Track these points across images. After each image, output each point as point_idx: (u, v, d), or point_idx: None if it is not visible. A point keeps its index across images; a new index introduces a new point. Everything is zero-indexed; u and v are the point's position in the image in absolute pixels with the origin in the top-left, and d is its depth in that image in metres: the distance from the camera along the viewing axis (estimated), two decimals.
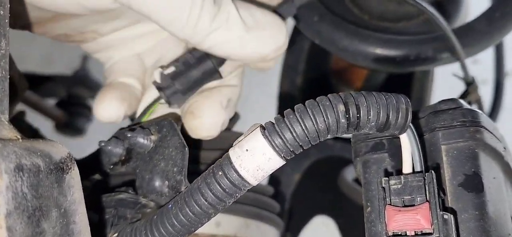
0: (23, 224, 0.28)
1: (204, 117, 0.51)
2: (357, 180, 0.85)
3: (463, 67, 0.69)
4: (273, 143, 0.37)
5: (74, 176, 0.35)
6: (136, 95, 0.54)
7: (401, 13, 0.74)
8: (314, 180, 0.97)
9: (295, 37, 0.99)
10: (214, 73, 0.52)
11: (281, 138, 0.37)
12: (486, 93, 0.88)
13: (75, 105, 1.15)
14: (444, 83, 0.94)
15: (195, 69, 0.51)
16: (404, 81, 0.93)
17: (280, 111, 1.00)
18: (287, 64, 1.00)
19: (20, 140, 0.32)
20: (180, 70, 0.51)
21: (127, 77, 0.54)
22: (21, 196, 0.29)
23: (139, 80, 0.55)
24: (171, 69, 0.51)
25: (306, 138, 0.37)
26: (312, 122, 0.37)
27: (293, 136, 0.37)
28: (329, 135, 0.38)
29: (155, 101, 0.53)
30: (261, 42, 0.49)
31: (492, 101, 0.93)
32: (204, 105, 0.51)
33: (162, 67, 0.52)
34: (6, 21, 0.34)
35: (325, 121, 0.37)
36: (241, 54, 0.48)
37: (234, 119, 0.70)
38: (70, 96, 1.17)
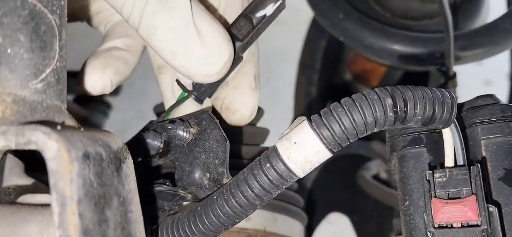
0: (91, 211, 0.29)
1: (242, 109, 0.52)
2: (376, 177, 0.86)
3: (448, 60, 0.67)
4: (321, 136, 0.38)
5: (129, 166, 0.35)
6: (122, 57, 0.50)
7: (424, 11, 0.75)
8: (330, 177, 0.98)
9: (311, 35, 1.00)
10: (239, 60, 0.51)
11: (329, 130, 0.38)
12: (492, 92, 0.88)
13: (92, 101, 1.15)
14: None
15: None
16: (420, 80, 0.94)
17: (298, 108, 1.01)
18: (304, 62, 1.01)
19: (81, 129, 0.33)
20: None
21: (113, 40, 0.51)
22: (89, 184, 0.29)
23: (128, 39, 0.51)
24: None
25: (354, 131, 0.37)
26: (361, 115, 0.37)
27: (341, 128, 0.37)
28: (376, 128, 0.38)
29: (179, 101, 0.52)
30: (192, 61, 0.46)
31: (508, 100, 0.93)
32: (237, 98, 0.52)
33: None
34: (65, 11, 0.34)
35: (373, 114, 0.37)
36: (170, 62, 0.46)
37: (260, 114, 0.71)
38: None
